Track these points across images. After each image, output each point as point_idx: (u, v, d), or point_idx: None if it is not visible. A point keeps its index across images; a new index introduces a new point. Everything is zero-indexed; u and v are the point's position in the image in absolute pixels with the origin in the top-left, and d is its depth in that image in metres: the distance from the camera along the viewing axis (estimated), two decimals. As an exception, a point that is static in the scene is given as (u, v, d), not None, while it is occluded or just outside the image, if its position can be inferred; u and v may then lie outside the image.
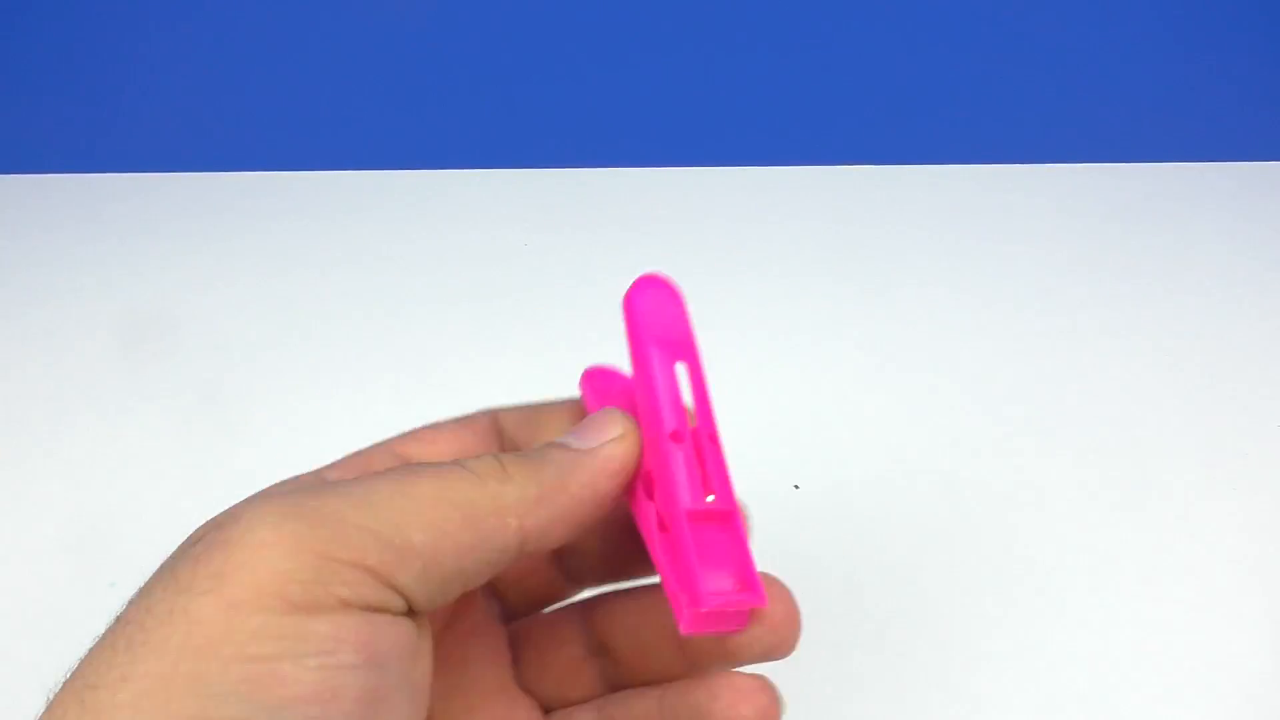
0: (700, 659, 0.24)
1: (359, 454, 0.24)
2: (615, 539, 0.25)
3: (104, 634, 0.18)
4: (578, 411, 0.26)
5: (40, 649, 0.37)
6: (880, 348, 0.53)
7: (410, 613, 0.19)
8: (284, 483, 0.23)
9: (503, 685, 0.25)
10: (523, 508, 0.21)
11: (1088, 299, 0.58)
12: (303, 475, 0.24)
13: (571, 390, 0.27)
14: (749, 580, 0.22)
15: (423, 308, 0.59)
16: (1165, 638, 0.36)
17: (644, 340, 0.23)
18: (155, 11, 0.73)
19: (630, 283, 0.25)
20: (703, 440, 0.23)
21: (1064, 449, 0.46)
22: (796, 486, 0.42)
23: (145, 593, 0.18)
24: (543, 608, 0.26)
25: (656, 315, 0.24)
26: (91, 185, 0.74)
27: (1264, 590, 0.38)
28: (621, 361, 0.26)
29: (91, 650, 0.18)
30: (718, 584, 0.22)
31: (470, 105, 0.75)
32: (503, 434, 0.25)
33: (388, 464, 0.23)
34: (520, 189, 0.72)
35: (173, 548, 0.23)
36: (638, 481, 0.23)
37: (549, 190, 0.72)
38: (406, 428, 0.29)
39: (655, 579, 0.24)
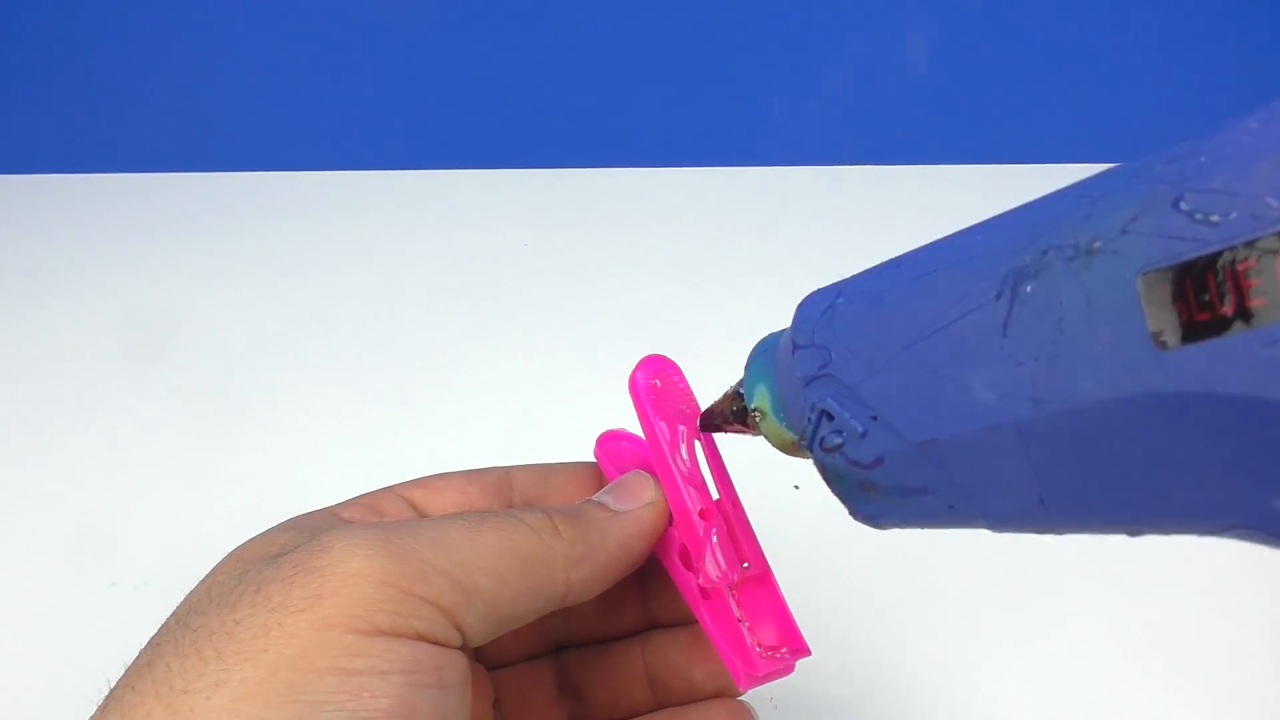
0: (668, 699, 0.27)
1: (369, 496, 0.25)
2: (607, 604, 0.27)
3: (176, 645, 0.19)
4: (588, 474, 0.28)
5: (41, 648, 0.37)
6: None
7: (463, 647, 0.21)
8: (311, 515, 0.24)
9: None
10: (570, 563, 0.22)
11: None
12: (316, 511, 0.24)
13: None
14: (791, 633, 0.25)
15: (423, 308, 0.58)
16: (1164, 637, 0.36)
17: (655, 422, 0.25)
18: (155, 12, 0.73)
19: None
20: (727, 509, 0.25)
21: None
22: (797, 487, 0.42)
23: (230, 609, 0.19)
24: (510, 663, 0.28)
25: (661, 393, 0.25)
26: (91, 185, 0.74)
27: (1265, 590, 0.38)
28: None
29: (164, 659, 0.19)
30: (765, 640, 0.24)
31: (470, 105, 0.75)
32: (513, 491, 0.27)
33: (397, 507, 0.25)
34: (520, 189, 0.72)
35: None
36: (674, 552, 0.25)
37: (549, 190, 0.72)
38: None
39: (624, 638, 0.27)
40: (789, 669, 0.24)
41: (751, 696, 0.34)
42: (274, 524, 0.24)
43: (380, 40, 0.74)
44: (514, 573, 0.21)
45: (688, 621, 0.27)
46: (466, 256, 0.64)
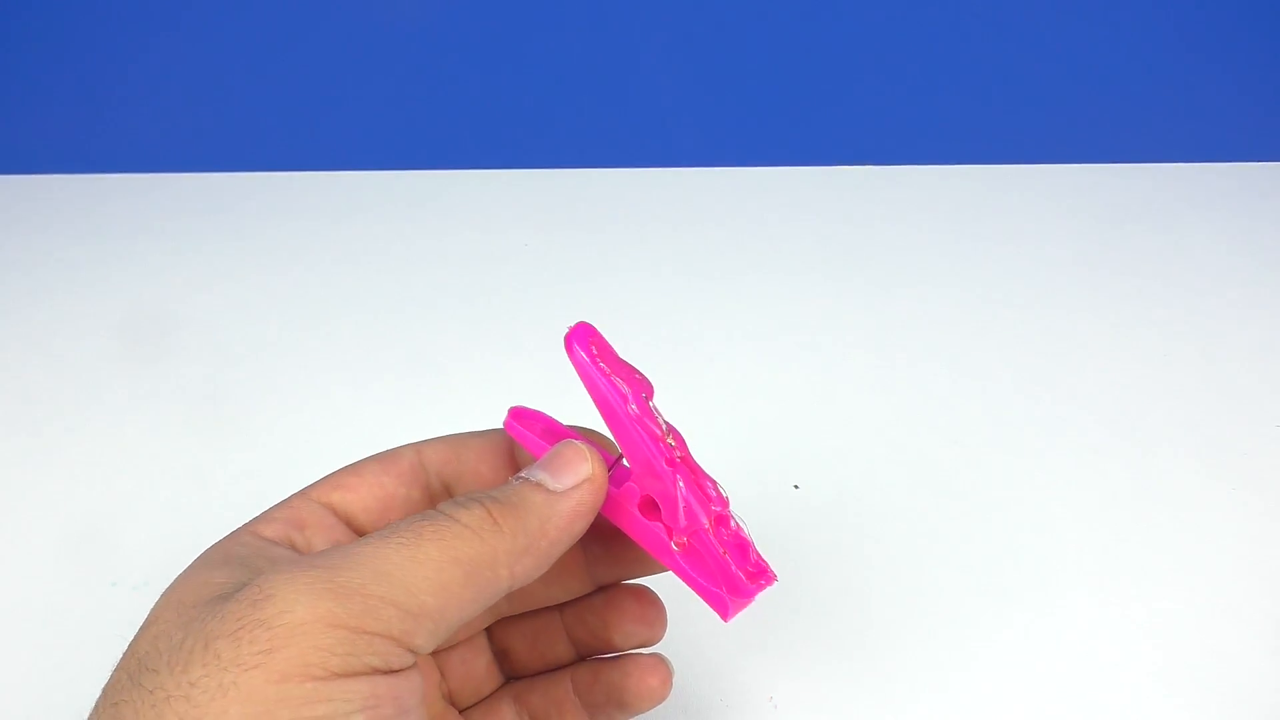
0: (587, 651, 0.28)
1: (286, 507, 0.26)
2: (550, 577, 0.27)
3: (135, 709, 0.19)
4: (500, 443, 0.28)
5: (41, 648, 0.37)
6: (880, 347, 0.53)
7: (415, 662, 0.21)
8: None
9: (442, 706, 0.28)
10: (512, 557, 0.22)
11: (1088, 299, 0.58)
12: (237, 531, 0.25)
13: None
14: (757, 563, 0.25)
15: (423, 308, 0.59)
16: (1164, 638, 0.36)
17: (607, 378, 0.25)
18: (155, 12, 0.73)
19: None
20: (683, 453, 0.25)
21: (1063, 448, 0.46)
22: (796, 486, 0.42)
23: (182, 669, 0.19)
24: (454, 645, 0.29)
25: (600, 356, 0.25)
26: (91, 185, 0.74)
27: (1264, 590, 0.38)
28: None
29: None
30: (741, 568, 0.25)
31: (470, 105, 0.75)
32: (427, 470, 0.27)
33: (313, 514, 0.25)
34: (520, 189, 0.72)
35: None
36: (631, 506, 0.25)
37: (549, 190, 0.72)
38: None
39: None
40: (759, 591, 0.25)
41: (751, 696, 0.34)
42: None
43: (380, 40, 0.74)
44: (459, 582, 0.21)
45: (632, 576, 0.28)
46: (466, 256, 0.64)
